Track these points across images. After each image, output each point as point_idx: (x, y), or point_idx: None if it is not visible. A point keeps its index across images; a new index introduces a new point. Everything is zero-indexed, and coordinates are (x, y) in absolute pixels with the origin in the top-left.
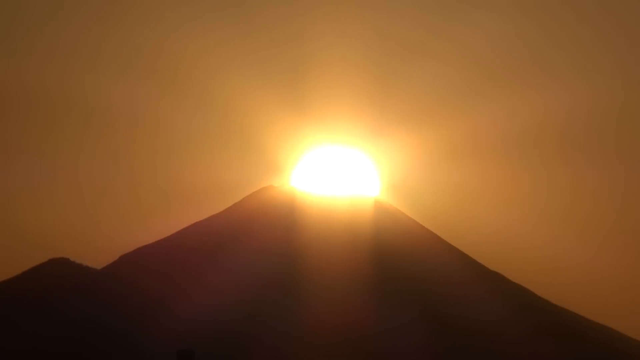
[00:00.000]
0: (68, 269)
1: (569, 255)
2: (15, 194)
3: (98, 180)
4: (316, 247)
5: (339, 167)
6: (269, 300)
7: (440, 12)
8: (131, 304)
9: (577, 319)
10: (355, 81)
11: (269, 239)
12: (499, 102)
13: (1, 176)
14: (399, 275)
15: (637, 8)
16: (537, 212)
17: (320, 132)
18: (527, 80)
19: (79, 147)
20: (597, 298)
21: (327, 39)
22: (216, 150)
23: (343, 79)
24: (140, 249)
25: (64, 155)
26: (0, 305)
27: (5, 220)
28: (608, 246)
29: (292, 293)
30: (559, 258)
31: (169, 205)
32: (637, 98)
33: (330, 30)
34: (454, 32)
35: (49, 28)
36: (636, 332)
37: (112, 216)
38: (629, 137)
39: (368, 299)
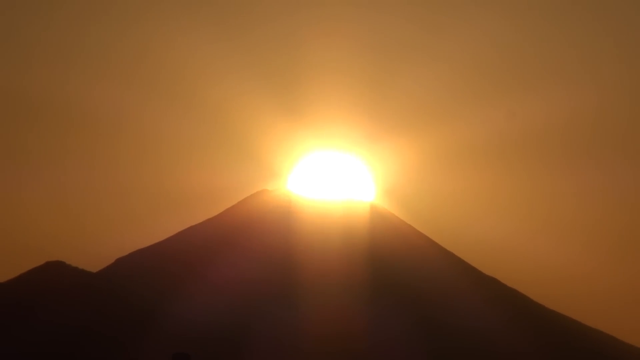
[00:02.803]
0: (64, 272)
1: (564, 260)
2: (11, 198)
3: (94, 184)
4: (311, 251)
5: (335, 171)
6: (263, 303)
7: (437, 14)
8: (126, 307)
9: (571, 324)
10: (350, 84)
11: (263, 242)
12: (496, 105)
13: None
14: (393, 279)
15: (639, 9)
16: (533, 217)
17: (316, 136)
18: (525, 82)
19: (76, 153)
20: (591, 303)
21: (322, 41)
22: (211, 154)
23: (338, 82)
24: (136, 253)
25: (61, 160)
26: None
27: (2, 224)
28: (603, 251)
29: (286, 297)
30: (554, 263)
31: (164, 209)
32: (618, 103)
33: (325, 32)
34: (451, 34)
35: (31, 30)
36: (630, 337)
37: (107, 220)
38: (631, 139)
39: (363, 303)
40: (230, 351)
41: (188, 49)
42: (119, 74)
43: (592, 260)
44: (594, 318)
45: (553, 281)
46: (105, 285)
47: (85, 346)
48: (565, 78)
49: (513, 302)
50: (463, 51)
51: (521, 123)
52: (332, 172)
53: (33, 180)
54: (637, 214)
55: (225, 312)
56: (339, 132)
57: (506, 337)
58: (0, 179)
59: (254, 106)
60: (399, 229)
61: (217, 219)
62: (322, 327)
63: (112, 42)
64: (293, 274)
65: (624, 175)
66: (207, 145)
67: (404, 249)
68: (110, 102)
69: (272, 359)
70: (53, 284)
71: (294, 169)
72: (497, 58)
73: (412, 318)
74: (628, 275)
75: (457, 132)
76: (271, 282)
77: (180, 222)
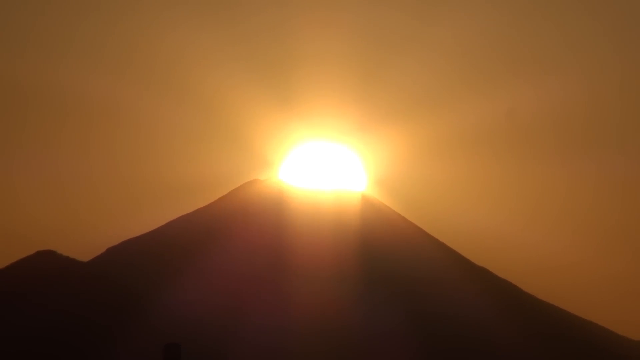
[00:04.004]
0: (55, 262)
1: (556, 250)
2: (1, 187)
3: (84, 173)
4: (302, 241)
5: (326, 161)
6: (255, 294)
7: (429, 4)
8: (117, 296)
9: (563, 315)
10: (341, 75)
11: (255, 232)
12: (487, 95)
13: None
14: (385, 269)
15: None
16: (525, 207)
17: (307, 126)
18: (517, 72)
19: (66, 141)
20: (583, 294)
21: (313, 32)
22: (202, 143)
23: (329, 73)
24: (127, 242)
25: (51, 148)
26: None
27: None
28: (595, 242)
29: (278, 287)
30: (546, 253)
31: (155, 198)
32: (634, 90)
33: (317, 22)
34: (442, 23)
35: (23, 21)
36: (622, 329)
37: (98, 209)
38: (623, 129)
39: (354, 293)
40: (221, 340)
41: (180, 39)
42: (110, 64)
43: (584, 251)
44: (585, 309)
45: (544, 272)
46: (96, 275)
47: (76, 335)
48: (557, 68)
49: (504, 293)
50: (455, 41)
51: (513, 113)
52: (324, 162)
53: (24, 170)
54: (629, 204)
55: (216, 301)
56: (330, 122)
57: (496, 326)
58: None
59: (245, 96)
60: (390, 219)
61: (208, 208)
62: (314, 316)
63: (106, 32)
64: (284, 263)
65: (616, 165)
66: (198, 135)
67: (395, 238)
68: (100, 91)
69: (265, 349)
70: (44, 273)
71: (286, 159)
72: (489, 47)
73: (403, 308)
74: (619, 266)
75: (449, 122)
76: (263, 271)
77: (172, 211)
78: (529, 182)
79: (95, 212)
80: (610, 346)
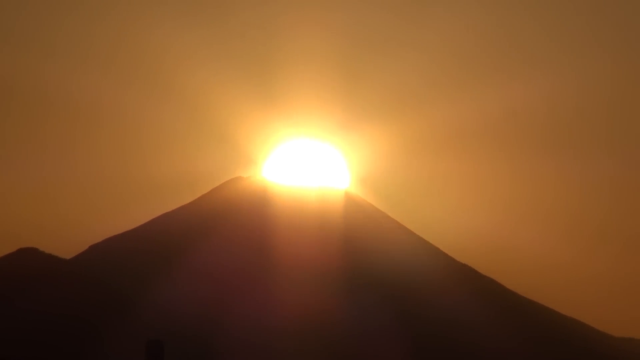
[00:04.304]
0: (37, 259)
1: (539, 248)
2: None
3: (67, 171)
4: (286, 238)
5: (309, 159)
6: (239, 291)
7: (413, 3)
8: (101, 294)
9: (544, 311)
10: (326, 73)
11: (238, 229)
12: (472, 93)
13: None
14: (367, 265)
15: None
16: (512, 205)
17: (291, 124)
18: (504, 69)
19: (49, 139)
20: (564, 291)
21: (298, 30)
22: (185, 141)
23: (314, 71)
24: (109, 240)
25: (33, 147)
26: None
27: None
28: (583, 240)
29: (262, 284)
30: (528, 250)
31: (138, 196)
32: (625, 89)
33: (301, 20)
34: (427, 22)
35: (5, 17)
36: (608, 326)
37: (81, 207)
38: (613, 127)
39: (337, 289)
40: (205, 338)
41: (164, 37)
42: (93, 62)
43: (573, 249)
44: (569, 307)
45: (526, 269)
46: (78, 272)
47: (59, 333)
48: (545, 65)
49: (486, 289)
50: (440, 40)
51: (499, 111)
52: (307, 160)
53: (5, 167)
54: (618, 202)
55: (199, 299)
56: (314, 120)
57: (479, 322)
58: None
59: (229, 94)
60: (373, 216)
61: (191, 205)
62: (298, 313)
63: (89, 30)
64: (268, 260)
65: (606, 164)
66: (181, 132)
67: (378, 235)
68: (83, 89)
69: (248, 344)
70: (26, 270)
71: (269, 156)
72: (475, 46)
73: (386, 304)
74: (608, 265)
75: (433, 120)
76: (246, 268)
77: (155, 209)
78: (515, 180)
79: (78, 209)
80: (593, 343)
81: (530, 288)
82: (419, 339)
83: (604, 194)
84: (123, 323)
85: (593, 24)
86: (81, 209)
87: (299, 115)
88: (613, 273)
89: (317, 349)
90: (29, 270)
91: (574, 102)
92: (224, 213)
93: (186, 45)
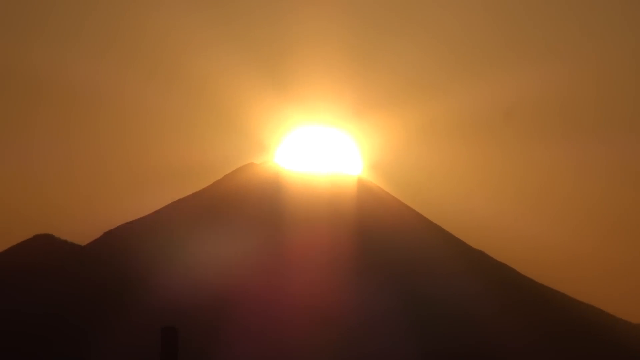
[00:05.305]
0: (52, 245)
1: (552, 233)
2: None
3: (81, 158)
4: (298, 224)
5: (322, 144)
6: (250, 278)
7: None
8: (114, 280)
9: (559, 297)
10: (338, 58)
11: (250, 215)
12: (487, 79)
13: None
14: (380, 252)
15: None
16: (520, 191)
17: (303, 109)
18: (519, 53)
19: (63, 126)
20: (579, 276)
21: (309, 13)
22: (197, 127)
23: (326, 55)
24: (124, 226)
25: (49, 133)
26: None
27: None
28: (598, 227)
29: (274, 271)
30: (541, 236)
31: (151, 182)
32: (616, 75)
33: (313, 3)
34: (440, 5)
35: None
36: (617, 310)
37: (95, 194)
38: (631, 112)
39: (350, 276)
40: (217, 323)
41: (170, 18)
42: (98, 46)
43: (587, 236)
44: (585, 293)
45: (544, 256)
46: (93, 258)
47: (74, 318)
48: (561, 48)
49: (500, 275)
50: (453, 24)
51: (513, 96)
52: (320, 146)
53: (20, 154)
54: (634, 189)
55: (212, 285)
56: (326, 105)
57: (493, 309)
58: None
59: (241, 79)
60: (385, 202)
61: (204, 192)
62: (309, 299)
63: (90, 11)
64: (280, 247)
65: (623, 150)
66: (193, 118)
67: (390, 221)
68: (91, 73)
69: (260, 331)
70: (42, 256)
71: (282, 143)
72: (489, 29)
73: (399, 291)
74: (622, 251)
75: (447, 106)
76: (258, 254)
77: (168, 195)
78: (527, 167)
79: (93, 196)
80: (609, 329)
81: (546, 273)
82: (432, 327)
83: (626, 181)
84: (137, 309)
85: (614, 6)
86: (96, 196)
87: (311, 100)
88: (632, 260)
89: (329, 338)
90: (45, 256)
91: (589, 88)
92: (236, 199)
93: (195, 28)
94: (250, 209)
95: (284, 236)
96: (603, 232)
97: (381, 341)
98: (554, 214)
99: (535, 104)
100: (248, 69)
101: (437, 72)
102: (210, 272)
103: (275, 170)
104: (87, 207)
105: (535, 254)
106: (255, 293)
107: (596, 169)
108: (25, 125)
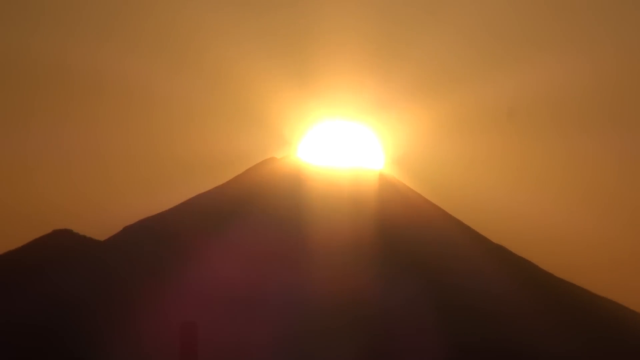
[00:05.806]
0: (71, 240)
1: (575, 229)
2: (18, 166)
3: (100, 152)
4: (320, 219)
5: (344, 139)
6: (273, 272)
7: None
8: (134, 276)
9: (580, 292)
10: (361, 52)
11: (272, 210)
12: (514, 70)
13: (3, 148)
14: (402, 247)
15: None
16: (546, 186)
17: (325, 103)
18: (541, 45)
19: (83, 120)
20: (601, 272)
21: (332, 6)
22: (218, 121)
23: (349, 49)
24: (143, 221)
25: (68, 126)
26: (4, 276)
27: (9, 191)
28: (622, 221)
29: (296, 265)
30: (564, 232)
31: (171, 177)
32: (633, 67)
33: None
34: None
35: None
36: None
37: (115, 188)
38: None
39: (372, 272)
40: (240, 318)
41: (194, 11)
42: (120, 36)
43: (610, 230)
44: (603, 287)
45: (562, 250)
46: (112, 253)
47: (93, 313)
48: (584, 39)
49: (522, 270)
50: (479, 13)
51: (535, 88)
52: (342, 140)
53: (39, 149)
54: None
55: (234, 280)
56: (348, 98)
57: (514, 304)
58: (5, 146)
59: (263, 71)
60: (408, 197)
61: (225, 186)
62: (332, 292)
63: (114, 2)
64: (302, 242)
65: None
66: (214, 112)
67: (412, 216)
68: (113, 65)
69: (282, 325)
70: (60, 251)
71: (303, 137)
72: (512, 20)
73: (421, 285)
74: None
75: (469, 98)
76: (281, 248)
77: (188, 190)
78: (553, 160)
79: (111, 191)
80: (627, 322)
81: (568, 269)
82: (454, 322)
83: None
84: (157, 304)
85: (608, 6)
86: (115, 191)
87: (333, 93)
88: None
89: (352, 328)
90: (64, 251)
91: (615, 77)
92: (258, 194)
93: (217, 20)
94: (271, 204)
95: (305, 231)
96: (632, 225)
97: (406, 339)
98: (586, 208)
99: (566, 96)
100: (270, 61)
101: (463, 63)
102: (232, 266)
103: (297, 164)
104: (106, 201)
105: (557, 248)
106: (278, 287)
107: (631, 161)
108: (40, 118)
